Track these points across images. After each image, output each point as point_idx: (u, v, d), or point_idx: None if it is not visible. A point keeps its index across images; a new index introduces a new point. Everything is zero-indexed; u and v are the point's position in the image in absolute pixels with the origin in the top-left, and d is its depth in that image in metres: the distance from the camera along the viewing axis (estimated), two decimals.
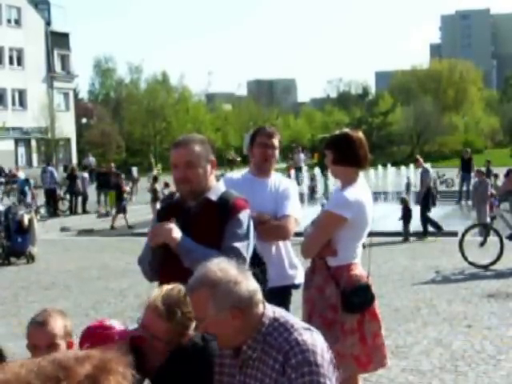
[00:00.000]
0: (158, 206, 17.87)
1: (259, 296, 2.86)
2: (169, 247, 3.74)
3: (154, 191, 23.76)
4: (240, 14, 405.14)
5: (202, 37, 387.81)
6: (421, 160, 19.39)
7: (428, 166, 18.95)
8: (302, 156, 40.21)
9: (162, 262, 3.83)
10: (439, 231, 16.95)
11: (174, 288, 3.11)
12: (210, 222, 3.80)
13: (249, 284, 2.84)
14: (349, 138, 4.72)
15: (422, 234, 16.93)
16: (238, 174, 5.42)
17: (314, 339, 2.75)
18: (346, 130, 4.96)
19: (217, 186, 4.00)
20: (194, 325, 3.09)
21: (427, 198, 17.28)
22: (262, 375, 2.77)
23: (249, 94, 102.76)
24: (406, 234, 16.65)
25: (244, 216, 3.85)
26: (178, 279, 3.28)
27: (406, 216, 16.81)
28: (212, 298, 2.76)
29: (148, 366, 3.12)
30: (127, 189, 24.78)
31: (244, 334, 2.80)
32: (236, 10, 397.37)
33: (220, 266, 2.88)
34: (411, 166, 29.40)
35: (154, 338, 3.06)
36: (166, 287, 3.13)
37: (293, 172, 31.67)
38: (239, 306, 2.77)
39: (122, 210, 22.66)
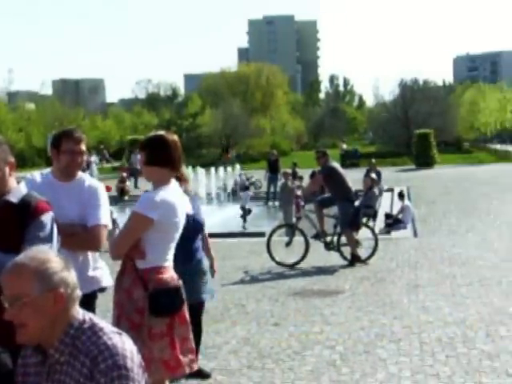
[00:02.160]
0: None
1: (78, 294, 2.78)
2: None
3: None
4: (44, 9, 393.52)
5: (2, 32, 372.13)
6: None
7: None
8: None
9: None
10: None
11: None
12: (11, 226, 3.62)
13: (74, 277, 2.76)
14: (164, 140, 4.70)
15: None
16: (39, 175, 5.03)
17: (124, 343, 2.71)
18: (162, 132, 4.90)
19: (17, 188, 3.82)
20: None
21: None
22: (70, 380, 2.67)
23: (54, 94, 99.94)
24: None
25: (47, 219, 3.70)
26: None
27: None
28: (40, 274, 2.65)
29: None
30: None
31: (54, 327, 2.69)
32: (39, 7, 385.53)
33: (52, 251, 2.87)
34: (220, 168, 30.03)
35: None
36: None
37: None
38: (65, 290, 2.68)
39: None
